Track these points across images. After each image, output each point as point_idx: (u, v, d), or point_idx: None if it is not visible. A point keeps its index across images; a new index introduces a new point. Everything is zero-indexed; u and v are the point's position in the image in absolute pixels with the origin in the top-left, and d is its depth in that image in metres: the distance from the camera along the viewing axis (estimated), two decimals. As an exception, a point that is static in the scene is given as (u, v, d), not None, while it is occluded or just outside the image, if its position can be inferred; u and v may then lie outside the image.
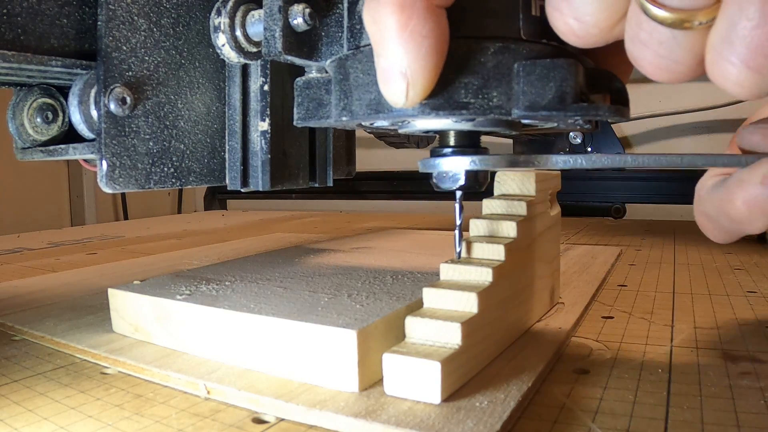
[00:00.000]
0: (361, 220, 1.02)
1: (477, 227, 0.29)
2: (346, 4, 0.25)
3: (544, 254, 0.32)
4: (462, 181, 0.25)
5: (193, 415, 0.23)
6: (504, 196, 0.31)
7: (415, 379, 0.22)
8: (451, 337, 0.23)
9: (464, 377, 0.23)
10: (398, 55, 0.19)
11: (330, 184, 0.39)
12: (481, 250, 0.27)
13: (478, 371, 0.25)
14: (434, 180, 0.26)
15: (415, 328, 0.24)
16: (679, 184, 1.03)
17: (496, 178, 0.32)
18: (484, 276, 0.26)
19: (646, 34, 0.18)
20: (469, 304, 0.24)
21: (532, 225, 0.30)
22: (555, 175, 0.34)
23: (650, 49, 0.18)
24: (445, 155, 0.25)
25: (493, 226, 0.29)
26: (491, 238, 0.28)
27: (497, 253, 0.27)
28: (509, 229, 0.28)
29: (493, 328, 0.26)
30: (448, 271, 0.26)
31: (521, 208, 0.30)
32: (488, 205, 0.31)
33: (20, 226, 1.12)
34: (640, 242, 0.66)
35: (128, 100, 0.28)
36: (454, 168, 0.25)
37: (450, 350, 0.22)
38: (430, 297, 0.25)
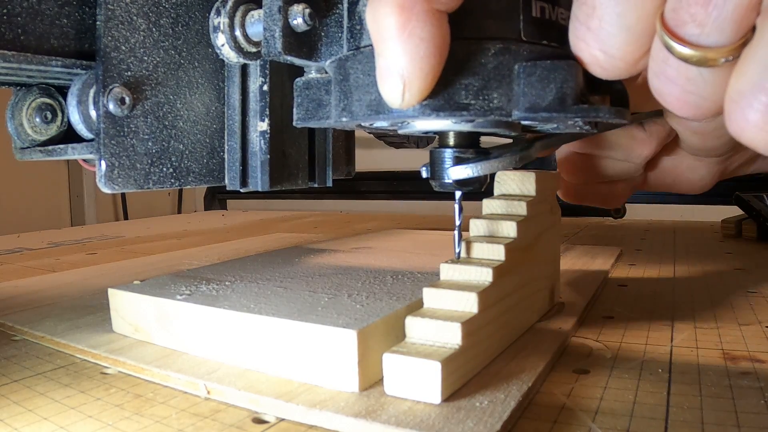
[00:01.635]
0: (361, 220, 1.02)
1: (477, 227, 0.29)
2: (346, 5, 0.25)
3: (544, 254, 0.32)
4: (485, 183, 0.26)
5: (193, 415, 0.23)
6: (504, 196, 0.31)
7: (416, 379, 0.22)
8: (451, 337, 0.23)
9: (464, 377, 0.23)
10: (396, 57, 0.19)
11: (329, 184, 0.39)
12: (481, 250, 0.27)
13: (478, 371, 0.25)
14: (451, 182, 0.26)
15: (415, 328, 0.24)
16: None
17: (496, 178, 0.32)
18: (484, 276, 0.25)
19: (672, 71, 0.18)
20: (469, 304, 0.24)
21: (532, 225, 0.30)
22: (555, 175, 0.34)
23: (677, 85, 0.18)
24: (488, 158, 0.26)
25: (493, 226, 0.29)
26: (491, 238, 0.28)
27: (497, 253, 0.27)
28: (509, 229, 0.28)
29: (493, 328, 0.26)
30: (448, 271, 0.26)
31: (521, 208, 0.30)
32: (488, 205, 0.31)
33: (20, 226, 1.12)
34: (640, 242, 0.66)
35: (127, 100, 0.28)
36: (490, 171, 0.25)
37: (450, 350, 0.22)
38: (430, 297, 0.25)
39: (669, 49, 0.17)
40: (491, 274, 0.25)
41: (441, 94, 0.21)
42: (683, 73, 0.18)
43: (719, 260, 0.53)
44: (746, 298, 0.38)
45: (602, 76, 0.20)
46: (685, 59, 0.17)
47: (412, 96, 0.20)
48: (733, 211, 0.72)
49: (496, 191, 0.32)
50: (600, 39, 0.19)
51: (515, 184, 0.31)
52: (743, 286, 0.42)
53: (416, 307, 0.26)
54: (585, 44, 0.19)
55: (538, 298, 0.32)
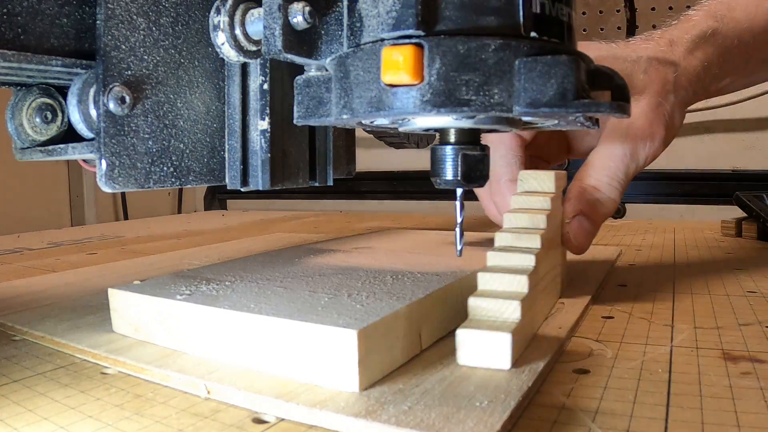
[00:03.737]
0: (361, 220, 1.02)
1: (511, 220, 0.33)
2: (345, 2, 0.25)
3: (558, 244, 0.37)
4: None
5: (193, 415, 0.23)
6: (528, 193, 0.35)
7: (488, 349, 0.25)
8: (512, 312, 0.26)
9: (521, 348, 0.27)
10: None
11: (330, 183, 0.39)
12: (519, 240, 0.31)
13: (528, 343, 0.28)
14: (453, 179, 0.27)
15: (478, 306, 0.27)
16: (679, 183, 1.03)
17: (519, 177, 0.36)
18: (528, 261, 0.29)
19: None
20: (520, 285, 0.28)
21: (554, 218, 0.34)
22: (563, 175, 0.37)
23: None
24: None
25: (526, 219, 0.33)
26: (527, 230, 0.32)
27: (534, 242, 0.31)
28: (540, 222, 0.32)
29: (536, 306, 0.29)
30: (494, 258, 0.30)
31: (546, 203, 0.34)
32: (516, 201, 0.35)
33: (20, 226, 1.12)
34: (640, 242, 0.66)
35: (127, 99, 0.28)
36: None
37: (513, 323, 0.25)
38: (485, 280, 0.28)
39: None
40: (534, 260, 0.29)
41: (442, 90, 0.21)
42: None
43: (719, 260, 0.53)
44: (746, 298, 0.38)
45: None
46: None
47: None
48: (733, 211, 0.72)
49: (520, 188, 0.36)
50: None
51: (536, 182, 0.36)
52: (743, 286, 0.42)
53: (417, 306, 0.26)
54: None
55: (557, 281, 0.36)
